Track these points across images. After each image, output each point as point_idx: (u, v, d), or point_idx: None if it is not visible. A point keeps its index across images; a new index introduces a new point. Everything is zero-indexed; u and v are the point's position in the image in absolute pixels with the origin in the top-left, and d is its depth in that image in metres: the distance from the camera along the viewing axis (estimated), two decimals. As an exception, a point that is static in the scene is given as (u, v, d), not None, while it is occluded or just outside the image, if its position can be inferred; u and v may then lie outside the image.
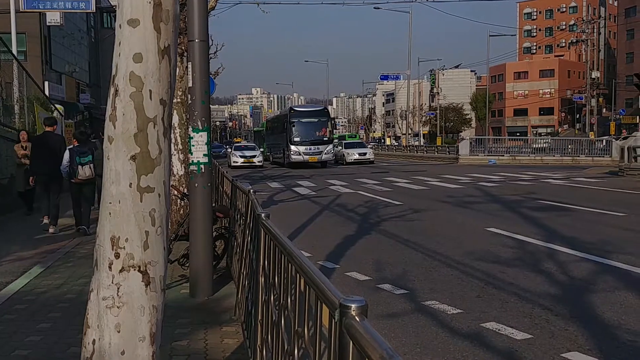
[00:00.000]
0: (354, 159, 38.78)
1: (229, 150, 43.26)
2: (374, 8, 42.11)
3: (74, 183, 10.17)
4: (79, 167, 9.95)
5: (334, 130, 42.55)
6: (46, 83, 31.24)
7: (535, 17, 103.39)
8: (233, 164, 35.76)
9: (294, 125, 34.96)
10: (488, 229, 10.28)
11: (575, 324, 5.03)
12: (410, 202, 14.76)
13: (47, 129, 11.10)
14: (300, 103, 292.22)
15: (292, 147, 34.49)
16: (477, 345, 4.62)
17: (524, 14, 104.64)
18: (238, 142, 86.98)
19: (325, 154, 35.15)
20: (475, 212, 12.79)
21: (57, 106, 23.44)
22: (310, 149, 34.73)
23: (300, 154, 34.39)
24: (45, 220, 10.63)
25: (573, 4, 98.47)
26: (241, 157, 36.26)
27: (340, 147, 40.87)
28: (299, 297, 2.20)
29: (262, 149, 45.16)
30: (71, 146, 10.40)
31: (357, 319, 1.37)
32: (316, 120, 35.89)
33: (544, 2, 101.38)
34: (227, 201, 7.60)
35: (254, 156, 36.51)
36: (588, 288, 6.25)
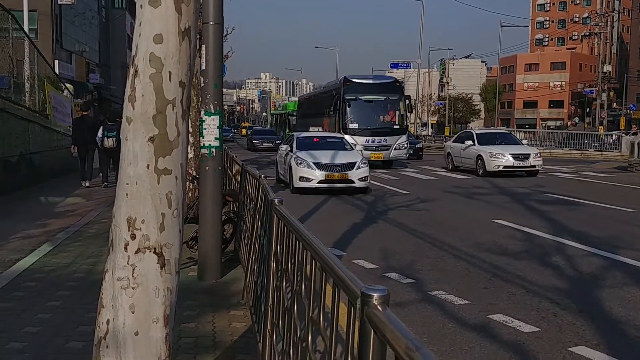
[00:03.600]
0: (507, 167, 19.14)
1: (256, 141, 38.85)
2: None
3: (103, 151, 14.58)
4: (105, 138, 14.34)
5: (409, 115, 26.83)
6: (56, 62, 31.26)
7: (548, 8, 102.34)
8: (302, 182, 14.24)
9: (349, 105, 22.84)
10: (495, 220, 10.25)
11: (583, 319, 5.02)
12: (418, 191, 14.73)
13: (84, 113, 16.12)
14: (309, 90, 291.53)
15: (346, 138, 19.22)
16: (484, 337, 4.62)
17: (537, 5, 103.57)
18: (246, 126, 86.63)
19: (395, 149, 22.93)
20: (482, 203, 12.75)
21: (67, 85, 23.45)
22: (372, 141, 22.62)
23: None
24: (85, 184, 14.49)
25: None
26: (320, 167, 14.21)
27: (469, 144, 20.52)
28: (314, 284, 2.20)
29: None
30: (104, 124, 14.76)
31: (380, 309, 1.36)
32: (383, 98, 23.50)
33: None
34: (236, 185, 7.61)
35: (349, 166, 14.30)
36: (596, 283, 6.24)
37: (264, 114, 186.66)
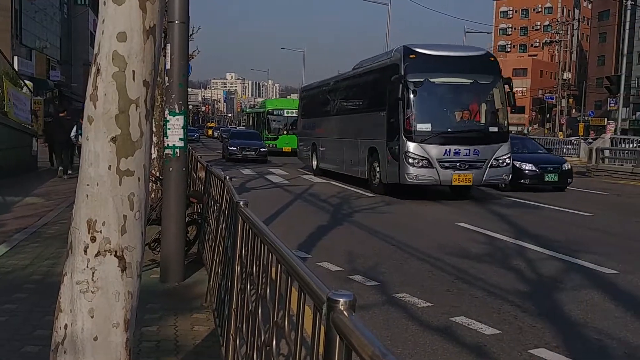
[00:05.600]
0: None
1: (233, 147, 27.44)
2: (354, -2, 41.36)
3: (78, 148, 14.45)
4: (80, 137, 15.83)
5: (509, 112, 14.64)
6: (15, 58, 30.47)
7: (511, 15, 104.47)
8: None
9: (414, 93, 13.38)
10: (459, 223, 10.39)
11: (543, 321, 5.12)
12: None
13: (61, 114, 18.08)
14: (275, 91, 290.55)
15: (411, 148, 13.30)
16: (447, 339, 4.67)
17: (501, 12, 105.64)
18: (212, 127, 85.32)
19: (491, 166, 13.71)
20: (446, 206, 12.91)
21: (27, 82, 22.85)
22: (455, 152, 13.47)
23: (428, 165, 13.28)
24: (61, 175, 16.16)
25: (548, 4, 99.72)
26: None
27: None
28: (280, 288, 2.17)
29: (270, 142, 31.57)
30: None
31: (346, 314, 1.35)
32: (469, 81, 14.11)
33: (520, 2, 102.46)
34: (201, 186, 7.52)
35: None
36: (555, 286, 6.36)
37: (230, 115, 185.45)
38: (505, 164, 13.90)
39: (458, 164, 13.38)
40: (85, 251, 2.27)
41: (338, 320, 1.35)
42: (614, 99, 41.39)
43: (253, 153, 26.96)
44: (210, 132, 77.52)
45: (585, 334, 4.84)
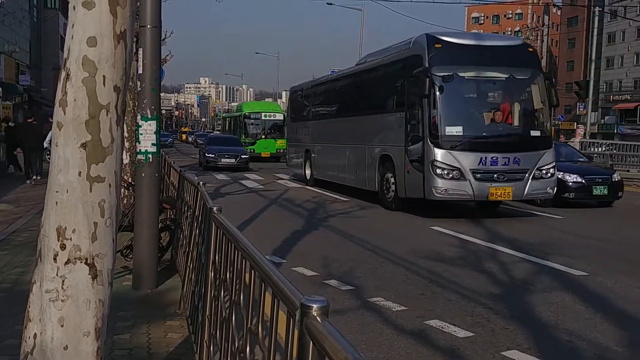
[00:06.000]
0: None
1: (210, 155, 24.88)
2: (327, 4, 41.79)
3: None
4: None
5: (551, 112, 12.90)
6: (-17, 62, 29.88)
7: (482, 21, 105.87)
8: None
9: (441, 91, 11.06)
10: (433, 227, 10.47)
11: (515, 323, 5.18)
12: (357, 198, 14.86)
13: (28, 120, 17.82)
14: (250, 96, 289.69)
15: (439, 156, 11.05)
16: (421, 343, 4.69)
17: (472, 17, 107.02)
18: (186, 131, 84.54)
19: (534, 177, 11.55)
20: (419, 210, 12.98)
21: (-5, 87, 22.43)
22: (491, 161, 11.24)
23: (460, 177, 11.06)
24: (30, 182, 15.96)
25: (519, 11, 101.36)
26: None
27: None
28: (253, 294, 2.17)
29: (248, 147, 28.84)
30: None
31: (319, 320, 1.35)
32: (505, 76, 11.88)
33: (492, 8, 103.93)
34: (174, 192, 7.46)
35: None
36: (527, 288, 6.45)
37: (203, 119, 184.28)
38: (549, 174, 11.72)
39: (495, 175, 11.14)
40: (54, 259, 2.23)
41: (311, 326, 1.35)
42: (583, 104, 42.20)
43: (233, 160, 24.46)
44: (184, 137, 76.96)
45: (556, 336, 4.91)
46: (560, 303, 5.84)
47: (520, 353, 4.48)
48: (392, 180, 12.59)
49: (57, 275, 2.22)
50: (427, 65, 11.27)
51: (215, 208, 3.35)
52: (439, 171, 11.01)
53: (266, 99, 74.71)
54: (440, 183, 11.03)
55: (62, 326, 2.22)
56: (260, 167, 26.95)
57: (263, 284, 1.99)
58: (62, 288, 2.22)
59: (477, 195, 11.24)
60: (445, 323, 5.13)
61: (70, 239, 2.22)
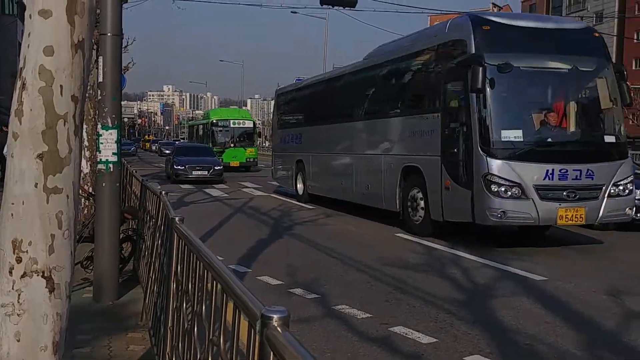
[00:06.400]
0: None
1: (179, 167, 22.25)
2: (291, 12, 41.81)
3: None
4: None
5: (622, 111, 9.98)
6: (-64, 69, 29.01)
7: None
8: None
9: (492, 86, 8.71)
10: (397, 234, 10.56)
11: (478, 328, 5.26)
12: (323, 206, 14.90)
13: None
14: (214, 104, 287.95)
15: (495, 169, 8.63)
16: (385, 350, 4.72)
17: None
18: (149, 140, 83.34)
19: (609, 195, 9.10)
20: (385, 217, 13.08)
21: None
22: (560, 175, 8.79)
23: (520, 194, 8.65)
24: None
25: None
26: None
27: None
28: (215, 305, 2.15)
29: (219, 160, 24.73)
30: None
31: (279, 330, 1.36)
32: (568, 66, 9.39)
33: (453, 17, 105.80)
34: (136, 202, 7.35)
35: None
36: (489, 293, 6.56)
37: (167, 128, 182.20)
38: (627, 191, 9.23)
39: (565, 193, 8.75)
40: (10, 272, 2.18)
41: (272, 336, 1.35)
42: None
43: (206, 172, 21.89)
44: (147, 145, 75.96)
45: (517, 340, 5.01)
46: (520, 307, 5.96)
47: (483, 358, 4.55)
48: (421, 198, 10.22)
49: (12, 289, 2.17)
50: (473, 51, 8.94)
51: (177, 218, 3.32)
52: (494, 188, 8.54)
53: (231, 107, 73.94)
54: (497, 203, 8.55)
55: (18, 341, 2.17)
56: (227, 176, 26.36)
57: (225, 295, 1.98)
58: (19, 302, 2.17)
59: (543, 219, 8.81)
60: (409, 329, 5.17)
61: (27, 251, 2.17)
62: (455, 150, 9.30)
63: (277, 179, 18.55)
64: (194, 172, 21.81)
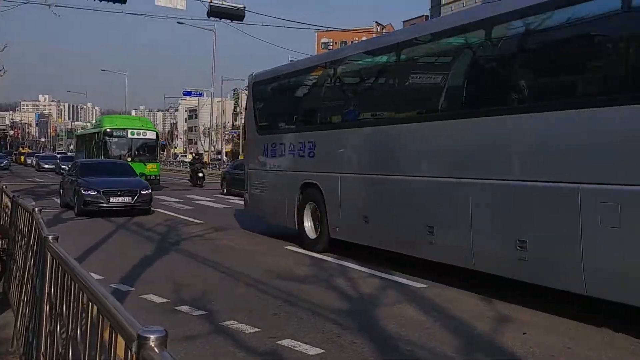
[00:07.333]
0: None
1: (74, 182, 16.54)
2: (178, 23, 40.87)
3: None
4: None
5: None
6: None
7: (331, 46, 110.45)
8: None
9: None
10: (286, 247, 10.62)
11: (362, 337, 5.40)
12: (212, 220, 14.67)
13: None
14: (95, 114, 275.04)
15: None
16: (274, 363, 4.72)
17: (322, 43, 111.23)
18: (24, 152, 77.68)
19: None
20: (274, 230, 13.10)
21: None
22: None
23: None
24: None
25: (364, 37, 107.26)
26: None
27: None
28: (91, 328, 2.06)
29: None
30: None
31: (157, 350, 1.33)
32: None
33: (340, 35, 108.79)
34: (7, 219, 6.86)
35: None
36: (374, 302, 6.77)
37: (43, 139, 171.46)
38: None
39: None
40: None
41: (148, 357, 1.32)
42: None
43: (129, 199, 15.76)
44: (22, 158, 70.77)
45: (399, 347, 5.20)
46: (403, 316, 6.19)
47: (368, 366, 4.68)
48: None
49: None
50: None
51: (50, 237, 3.14)
52: None
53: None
54: None
55: None
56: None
57: (101, 316, 1.90)
58: None
59: None
60: (297, 342, 5.21)
61: None
62: None
63: (258, 210, 12.43)
64: (112, 200, 15.60)
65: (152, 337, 1.36)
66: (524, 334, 5.51)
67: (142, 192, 16.10)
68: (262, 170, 12.19)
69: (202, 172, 30.93)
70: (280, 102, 12.35)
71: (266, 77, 12.59)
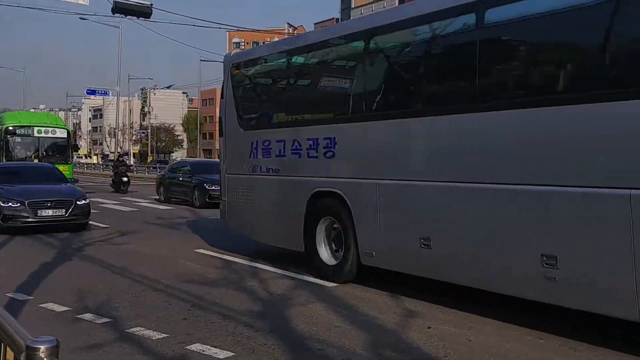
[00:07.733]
0: None
1: None
2: (80, 18, 39.10)
3: None
4: None
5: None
6: None
7: (243, 46, 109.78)
8: None
9: None
10: (197, 250, 10.44)
11: (274, 338, 5.41)
12: (118, 224, 14.16)
13: None
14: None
15: None
16: (183, 369, 4.64)
17: (233, 42, 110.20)
18: None
19: None
20: (185, 233, 12.87)
21: None
22: None
23: None
24: None
25: (276, 38, 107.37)
26: None
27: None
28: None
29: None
30: None
31: (47, 362, 1.27)
32: None
33: (251, 35, 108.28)
34: None
35: None
36: (285, 303, 6.79)
37: None
38: None
39: None
40: None
41: (37, 369, 1.27)
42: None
43: (62, 211, 12.86)
44: None
45: (310, 346, 5.25)
46: (313, 315, 6.25)
47: (278, 366, 4.69)
48: None
49: None
50: None
51: None
52: None
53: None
54: None
55: None
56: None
57: (-11, 328, 1.80)
58: None
59: None
60: (206, 346, 5.14)
61: None
62: None
63: (242, 227, 9.96)
64: (40, 212, 12.65)
65: (42, 347, 1.30)
66: (428, 328, 5.72)
67: (77, 202, 13.10)
68: (249, 175, 9.37)
69: (126, 176, 26.70)
70: (276, 87, 9.74)
71: (253, 56, 10.08)
